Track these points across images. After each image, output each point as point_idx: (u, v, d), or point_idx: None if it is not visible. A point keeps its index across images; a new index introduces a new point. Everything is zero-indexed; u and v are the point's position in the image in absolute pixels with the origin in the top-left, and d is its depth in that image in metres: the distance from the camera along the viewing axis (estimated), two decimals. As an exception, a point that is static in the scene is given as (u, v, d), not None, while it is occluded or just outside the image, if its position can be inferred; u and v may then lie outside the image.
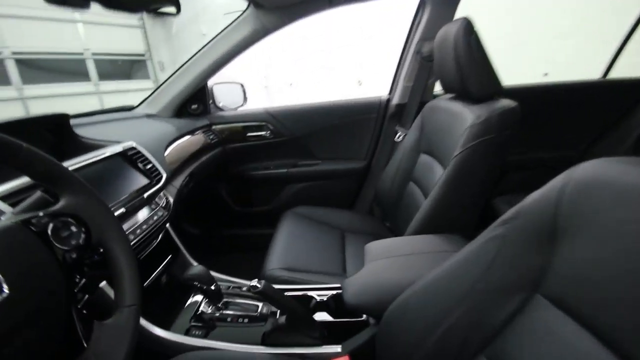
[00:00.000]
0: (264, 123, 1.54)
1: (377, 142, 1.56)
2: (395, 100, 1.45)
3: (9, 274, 0.34)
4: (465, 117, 0.87)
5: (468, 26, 0.84)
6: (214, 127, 1.52)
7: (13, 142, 0.40)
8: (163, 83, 1.41)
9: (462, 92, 0.92)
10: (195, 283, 0.80)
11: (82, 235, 0.45)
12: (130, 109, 1.42)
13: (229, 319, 0.83)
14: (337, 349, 0.72)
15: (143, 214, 0.86)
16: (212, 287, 0.82)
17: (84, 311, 0.43)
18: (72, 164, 0.72)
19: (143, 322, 0.76)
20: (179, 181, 1.10)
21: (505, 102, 0.84)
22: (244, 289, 0.94)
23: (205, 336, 0.78)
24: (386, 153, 1.53)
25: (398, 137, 1.43)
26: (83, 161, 0.75)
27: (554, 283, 0.41)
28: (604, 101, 1.44)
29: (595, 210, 0.38)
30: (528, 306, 0.44)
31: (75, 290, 0.42)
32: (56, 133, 0.86)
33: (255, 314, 0.85)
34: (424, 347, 0.53)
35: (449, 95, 1.07)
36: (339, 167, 1.60)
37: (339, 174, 1.61)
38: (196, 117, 1.49)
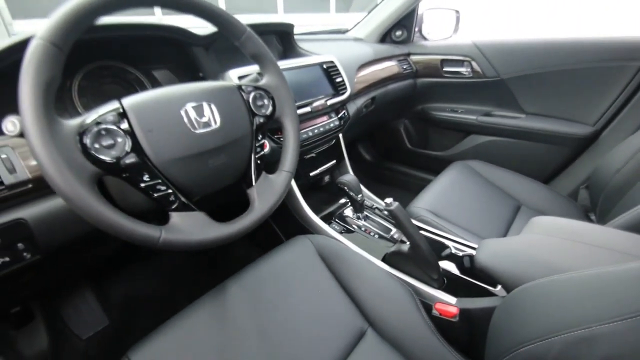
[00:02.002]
0: (466, 58, 1.36)
1: (624, 105, 1.09)
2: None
3: (222, 111, 0.51)
4: None
5: None
6: (411, 56, 1.48)
7: (240, 24, 0.55)
8: (374, 8, 1.45)
9: None
10: (345, 188, 0.91)
11: (270, 108, 0.59)
12: (344, 32, 1.57)
13: (363, 229, 0.92)
14: (452, 300, 0.68)
15: (323, 119, 1.01)
16: (358, 198, 0.91)
17: (258, 162, 0.59)
18: (284, 64, 0.91)
19: (303, 204, 0.95)
20: (361, 100, 1.19)
21: None
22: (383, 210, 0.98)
23: (340, 232, 0.91)
24: (631, 124, 1.07)
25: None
26: (293, 64, 0.93)
27: None
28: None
29: None
30: None
31: (256, 145, 0.58)
32: (283, 39, 1.09)
33: (387, 235, 0.90)
34: (543, 339, 0.43)
35: None
36: (551, 127, 1.25)
37: (546, 137, 1.26)
38: (398, 44, 1.49)
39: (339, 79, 1.04)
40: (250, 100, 0.57)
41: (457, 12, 1.43)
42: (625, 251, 0.53)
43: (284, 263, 0.70)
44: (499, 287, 0.71)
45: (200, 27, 0.71)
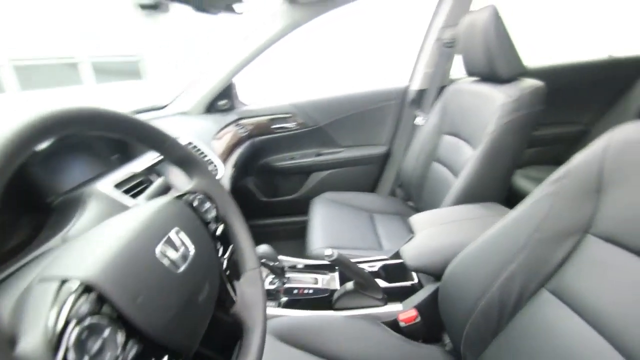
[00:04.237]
0: (289, 115, 1.62)
1: (397, 127, 1.65)
2: (415, 86, 1.53)
3: (188, 232, 0.42)
4: (495, 97, 0.96)
5: (496, 14, 0.93)
6: (242, 120, 1.59)
7: (163, 133, 0.48)
8: (190, 81, 1.48)
9: (489, 75, 1.01)
10: (263, 260, 0.89)
11: (214, 211, 0.53)
12: (160, 108, 1.48)
13: (295, 291, 0.92)
14: (399, 306, 0.82)
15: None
16: (277, 264, 0.91)
17: (227, 272, 0.51)
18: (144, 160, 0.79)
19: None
20: (228, 172, 1.18)
21: (532, 82, 0.93)
22: (307, 263, 1.02)
23: (277, 307, 0.87)
24: (406, 137, 1.63)
25: (419, 121, 1.52)
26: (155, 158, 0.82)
27: (603, 224, 0.51)
28: (606, 79, 1.55)
29: (634, 162, 0.47)
30: (581, 245, 0.53)
31: (220, 256, 0.50)
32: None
33: (318, 286, 0.94)
34: (490, 291, 0.63)
35: (472, 79, 1.16)
36: (361, 153, 1.69)
37: (361, 160, 1.70)
38: (224, 112, 1.56)
39: (205, 159, 1.01)
40: (197, 209, 0.50)
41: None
42: (485, 215, 0.85)
43: None
44: (413, 274, 0.92)
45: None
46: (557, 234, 0.56)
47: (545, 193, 0.59)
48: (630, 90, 1.51)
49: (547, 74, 0.95)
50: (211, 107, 1.52)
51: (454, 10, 1.31)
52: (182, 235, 0.42)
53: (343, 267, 0.78)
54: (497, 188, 1.00)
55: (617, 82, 1.54)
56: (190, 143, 0.98)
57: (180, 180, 0.66)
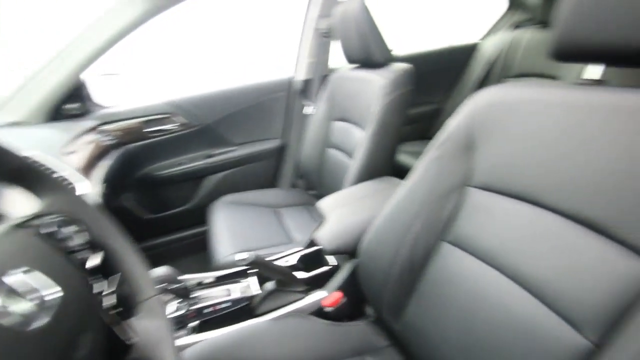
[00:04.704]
0: (166, 115, 1.42)
1: (289, 118, 1.64)
2: (300, 77, 1.55)
3: (51, 272, 0.30)
4: (375, 80, 1.04)
5: (364, 4, 1.00)
6: (105, 126, 1.31)
7: None
8: (19, 83, 1.13)
9: (366, 61, 1.09)
10: (162, 285, 0.75)
11: (81, 235, 0.40)
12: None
13: (208, 310, 0.81)
14: (324, 293, 0.81)
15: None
16: (181, 284, 0.78)
17: (119, 308, 0.38)
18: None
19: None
20: (96, 190, 0.94)
21: (402, 64, 1.04)
22: (215, 276, 0.91)
23: (191, 333, 0.75)
24: (299, 128, 1.64)
25: (308, 111, 1.55)
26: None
27: (478, 175, 0.59)
28: (449, 63, 1.89)
29: (496, 120, 0.57)
30: (465, 197, 0.61)
31: (97, 292, 0.38)
32: None
33: (233, 296, 0.85)
34: (401, 255, 0.68)
35: (352, 66, 1.23)
36: (256, 149, 1.62)
37: (257, 156, 1.63)
38: (76, 118, 1.26)
39: (56, 175, 0.78)
40: (53, 236, 0.36)
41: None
42: (384, 188, 0.90)
43: None
44: (331, 257, 0.93)
45: None
46: (445, 191, 0.63)
47: (432, 157, 0.66)
48: (466, 72, 1.88)
49: (407, 61, 1.08)
50: (57, 114, 1.20)
51: (327, 0, 1.37)
52: (35, 276, 0.29)
53: (262, 268, 0.72)
54: (388, 163, 1.10)
55: (457, 65, 1.89)
56: (28, 158, 0.74)
57: (20, 204, 0.48)
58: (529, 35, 1.61)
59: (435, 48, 1.89)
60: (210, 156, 1.55)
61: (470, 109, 0.61)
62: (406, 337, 0.67)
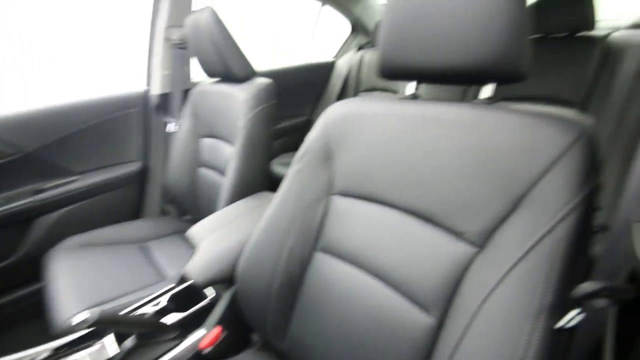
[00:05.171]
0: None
1: (148, 138, 1.44)
2: (156, 91, 1.37)
3: None
4: (237, 95, 1.01)
5: (216, 15, 0.96)
6: None
7: None
8: None
9: (227, 75, 1.05)
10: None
11: None
12: None
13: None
14: (202, 332, 0.72)
15: None
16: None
17: None
18: None
19: None
20: None
21: (264, 79, 1.04)
22: (56, 346, 0.70)
23: None
24: (162, 147, 1.46)
25: (171, 128, 1.40)
26: None
27: (338, 183, 0.64)
28: (312, 78, 2.03)
29: (346, 131, 0.62)
30: (330, 205, 0.65)
31: None
32: None
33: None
34: (278, 272, 0.66)
35: (214, 80, 1.17)
36: (109, 176, 1.36)
37: (110, 185, 1.37)
38: None
39: None
40: None
41: None
42: (257, 206, 0.86)
43: None
44: (209, 288, 0.84)
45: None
46: (311, 201, 0.65)
47: (295, 171, 0.67)
48: (328, 86, 2.05)
49: (270, 76, 1.10)
50: None
51: (175, 9, 1.26)
52: None
53: (111, 325, 0.58)
54: (261, 178, 1.08)
55: (320, 80, 2.05)
56: None
57: None
58: (369, 56, 1.89)
59: (299, 64, 2.01)
60: (40, 191, 1.22)
61: (324, 123, 0.65)
62: (293, 355, 0.66)
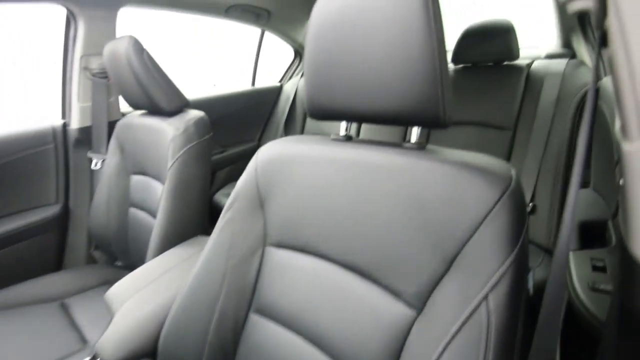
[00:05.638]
0: None
1: (68, 176, 1.27)
2: (75, 124, 1.22)
3: None
4: (165, 130, 0.91)
5: (137, 44, 0.87)
6: None
7: None
8: None
9: (153, 108, 0.95)
10: None
11: None
12: None
13: None
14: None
15: None
16: None
17: None
18: None
19: None
20: None
21: (196, 112, 0.96)
22: None
23: None
24: (85, 187, 1.29)
25: (95, 165, 1.24)
26: None
27: (272, 233, 0.57)
28: (257, 103, 1.96)
29: (276, 176, 0.56)
30: (265, 258, 0.58)
31: None
32: None
33: None
34: (207, 342, 0.57)
35: (140, 112, 1.06)
36: (21, 222, 1.16)
37: (21, 234, 1.17)
38: None
39: None
40: None
41: None
42: (190, 256, 0.77)
43: None
44: None
45: None
46: (245, 255, 0.58)
47: (225, 221, 0.60)
48: (276, 110, 2.01)
49: (210, 104, 1.02)
50: None
51: (93, 36, 1.13)
52: None
53: None
54: (197, 219, 0.98)
55: (267, 104, 1.99)
56: None
57: None
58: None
59: (246, 89, 1.94)
60: None
61: (254, 166, 0.59)
62: None
